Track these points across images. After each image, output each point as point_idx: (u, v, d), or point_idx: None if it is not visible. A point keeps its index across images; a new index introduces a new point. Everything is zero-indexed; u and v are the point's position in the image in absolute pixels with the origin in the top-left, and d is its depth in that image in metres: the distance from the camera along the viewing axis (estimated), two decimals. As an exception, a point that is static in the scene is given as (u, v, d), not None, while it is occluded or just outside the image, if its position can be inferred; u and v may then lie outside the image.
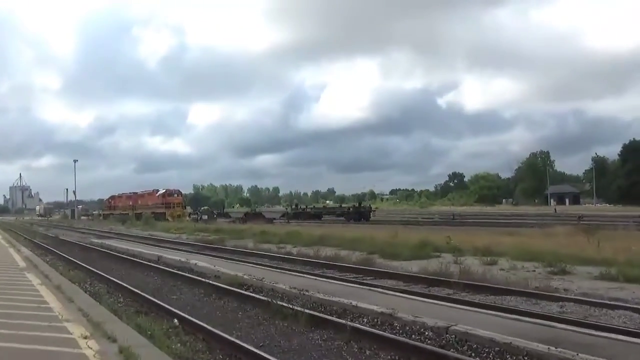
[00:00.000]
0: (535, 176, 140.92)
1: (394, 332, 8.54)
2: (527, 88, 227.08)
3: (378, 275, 15.79)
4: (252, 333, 9.16)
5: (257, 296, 11.84)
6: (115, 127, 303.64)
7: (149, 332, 8.65)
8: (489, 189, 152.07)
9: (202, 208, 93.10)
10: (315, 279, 13.91)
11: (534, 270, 15.30)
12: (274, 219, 66.32)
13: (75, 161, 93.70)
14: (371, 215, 63.40)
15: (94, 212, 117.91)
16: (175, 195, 78.80)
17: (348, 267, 17.42)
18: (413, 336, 8.21)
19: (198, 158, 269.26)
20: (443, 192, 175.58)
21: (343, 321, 8.92)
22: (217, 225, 48.13)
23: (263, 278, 13.71)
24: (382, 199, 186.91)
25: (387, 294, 11.47)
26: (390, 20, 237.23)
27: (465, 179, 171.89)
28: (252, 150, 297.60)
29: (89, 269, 18.39)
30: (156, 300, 11.74)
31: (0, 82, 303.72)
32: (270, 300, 10.69)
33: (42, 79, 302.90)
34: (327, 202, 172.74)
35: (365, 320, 9.30)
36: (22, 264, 19.38)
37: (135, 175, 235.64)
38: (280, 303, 10.50)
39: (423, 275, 15.05)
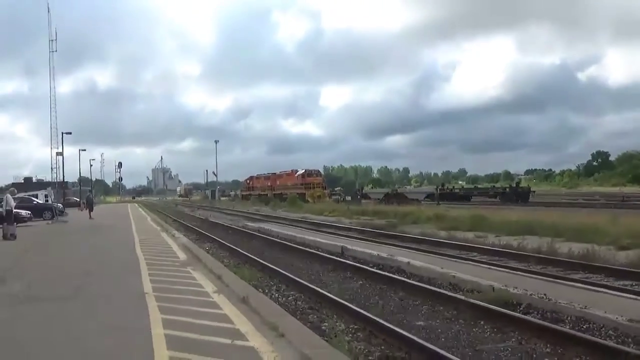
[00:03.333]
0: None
1: None
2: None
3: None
4: None
5: (594, 339, 6.96)
6: (250, 111, 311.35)
7: None
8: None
9: (337, 189, 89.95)
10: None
11: None
12: (418, 199, 61.73)
13: (216, 142, 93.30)
14: (530, 196, 57.31)
15: (231, 193, 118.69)
16: (315, 175, 75.88)
17: (628, 273, 12.14)
18: None
19: (328, 139, 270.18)
20: (587, 172, 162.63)
21: None
22: (370, 207, 43.68)
23: (544, 294, 8.85)
24: (519, 180, 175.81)
25: None
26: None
27: (611, 158, 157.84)
28: (382, 130, 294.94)
29: (264, 264, 14.39)
30: (415, 339, 7.13)
31: (147, 70, 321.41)
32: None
33: (184, 67, 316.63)
34: (460, 182, 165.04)
35: None
36: (181, 255, 15.82)
37: (267, 157, 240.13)
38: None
39: None
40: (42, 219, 38.01)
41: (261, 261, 14.86)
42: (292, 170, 79.48)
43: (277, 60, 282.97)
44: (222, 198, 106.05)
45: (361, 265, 13.62)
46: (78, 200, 68.18)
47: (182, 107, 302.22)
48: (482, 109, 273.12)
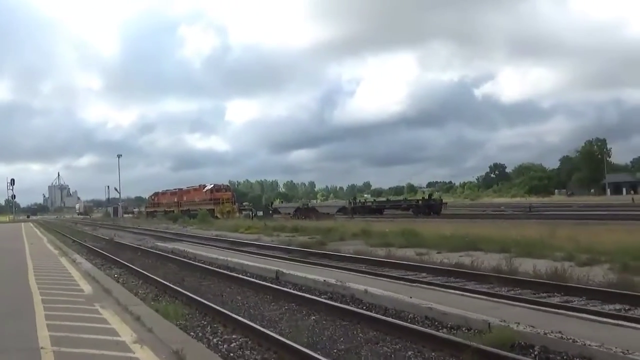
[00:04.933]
0: (591, 165, 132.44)
1: None
2: (566, 77, 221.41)
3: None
4: None
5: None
6: (155, 125, 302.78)
7: None
8: (539, 180, 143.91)
9: (245, 203, 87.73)
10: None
11: None
12: (329, 213, 60.63)
13: (119, 156, 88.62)
14: (443, 208, 57.83)
15: (134, 210, 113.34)
16: (224, 190, 73.59)
17: (612, 295, 10.75)
18: None
19: (234, 154, 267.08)
20: (485, 184, 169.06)
21: None
22: (287, 222, 41.57)
23: (560, 332, 7.11)
24: (423, 192, 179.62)
25: None
26: (430, 12, 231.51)
27: (507, 170, 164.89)
28: (288, 145, 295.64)
29: (189, 295, 11.99)
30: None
31: (44, 82, 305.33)
32: None
33: (85, 80, 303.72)
34: (365, 195, 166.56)
35: None
36: (85, 286, 13.11)
37: (172, 172, 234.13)
38: None
39: None
40: None
41: (185, 292, 12.42)
42: (200, 185, 76.47)
43: (183, 74, 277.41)
44: (126, 215, 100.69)
45: (307, 295, 11.50)
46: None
47: (83, 121, 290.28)
48: (385, 124, 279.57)
